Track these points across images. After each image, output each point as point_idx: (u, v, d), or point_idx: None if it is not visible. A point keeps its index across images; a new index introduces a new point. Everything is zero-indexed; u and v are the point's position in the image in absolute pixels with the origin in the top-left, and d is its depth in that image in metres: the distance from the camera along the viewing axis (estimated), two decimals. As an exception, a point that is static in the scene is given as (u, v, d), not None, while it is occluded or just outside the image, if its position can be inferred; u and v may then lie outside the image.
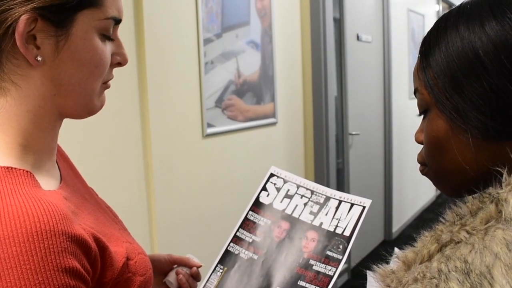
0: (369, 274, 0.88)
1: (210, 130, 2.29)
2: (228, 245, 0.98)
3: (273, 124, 2.82)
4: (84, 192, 0.84)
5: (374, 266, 0.68)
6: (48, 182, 0.71)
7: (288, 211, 0.98)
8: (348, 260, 3.84)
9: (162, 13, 2.01)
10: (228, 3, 2.38)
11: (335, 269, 0.88)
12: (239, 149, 2.53)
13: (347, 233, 0.92)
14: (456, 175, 0.70)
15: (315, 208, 0.97)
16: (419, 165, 0.78)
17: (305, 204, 0.98)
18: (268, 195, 1.02)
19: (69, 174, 0.84)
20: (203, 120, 2.24)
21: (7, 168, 0.65)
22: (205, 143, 2.28)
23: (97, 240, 0.67)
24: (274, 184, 1.03)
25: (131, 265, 0.75)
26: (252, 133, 2.63)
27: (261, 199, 1.01)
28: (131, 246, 0.79)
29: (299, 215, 0.97)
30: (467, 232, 0.61)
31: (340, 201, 0.96)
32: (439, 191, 6.32)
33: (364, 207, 0.94)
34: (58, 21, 0.67)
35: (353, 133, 3.85)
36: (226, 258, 0.97)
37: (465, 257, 0.58)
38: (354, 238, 0.91)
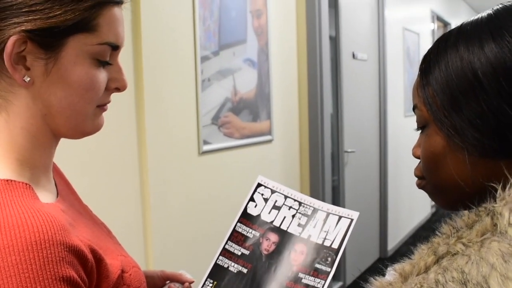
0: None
1: (206, 147, 2.30)
2: (217, 258, 0.98)
3: (269, 141, 2.84)
4: (79, 207, 0.86)
5: (371, 279, 0.69)
6: (46, 196, 0.73)
7: (277, 223, 0.98)
8: (344, 278, 3.84)
9: (160, 30, 2.04)
10: (225, 21, 2.42)
11: (323, 281, 0.89)
12: (235, 166, 2.54)
13: (335, 245, 0.92)
14: (452, 190, 0.72)
15: (303, 220, 0.97)
16: (416, 179, 0.80)
17: (293, 216, 0.98)
18: (256, 206, 1.01)
19: (65, 190, 0.86)
20: (199, 137, 2.26)
21: (7, 180, 0.67)
22: (201, 160, 2.29)
23: (93, 251, 0.69)
24: (262, 194, 1.03)
25: (125, 278, 0.76)
26: (248, 150, 2.65)
27: (249, 210, 1.01)
28: (126, 260, 0.80)
29: (288, 227, 0.97)
30: (464, 244, 0.63)
31: (328, 214, 0.97)
32: (434, 209, 6.33)
33: (351, 220, 0.95)
34: (47, 44, 0.69)
35: (349, 150, 3.87)
36: (216, 272, 0.97)
37: (462, 268, 0.60)
38: (342, 251, 0.92)
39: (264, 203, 1.02)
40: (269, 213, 1.00)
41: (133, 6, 1.91)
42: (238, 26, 2.53)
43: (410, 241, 5.19)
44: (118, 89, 0.79)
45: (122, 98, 1.87)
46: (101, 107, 0.78)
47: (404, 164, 4.92)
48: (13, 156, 0.71)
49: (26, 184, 0.68)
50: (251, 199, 1.03)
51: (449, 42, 0.72)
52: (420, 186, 0.79)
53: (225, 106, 2.44)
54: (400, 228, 5.11)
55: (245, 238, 0.98)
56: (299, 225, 0.97)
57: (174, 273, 1.05)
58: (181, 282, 1.04)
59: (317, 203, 0.99)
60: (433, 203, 6.26)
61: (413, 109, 0.76)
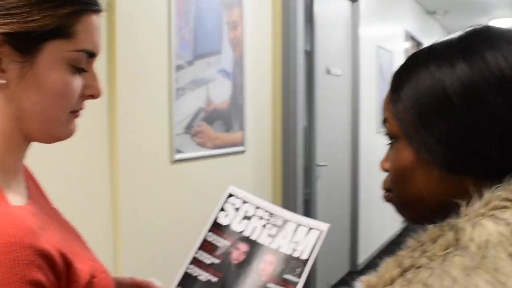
0: None
1: (178, 156, 2.29)
2: (187, 267, 0.98)
3: (242, 152, 2.84)
4: (49, 211, 0.85)
5: None
6: (15, 198, 0.72)
7: (247, 233, 0.98)
8: (313, 291, 3.84)
9: (135, 38, 2.03)
10: (200, 31, 2.42)
11: None
12: (207, 176, 2.54)
13: (304, 256, 0.92)
14: (418, 204, 0.73)
15: (273, 230, 0.97)
16: (383, 191, 0.81)
17: (264, 226, 0.98)
18: (226, 216, 1.01)
19: (36, 193, 0.85)
20: (172, 146, 2.25)
21: None
22: (173, 168, 2.28)
23: (62, 255, 0.68)
24: (233, 204, 1.03)
25: (95, 283, 0.76)
26: (220, 161, 2.64)
27: (219, 220, 1.01)
28: (95, 265, 0.80)
29: (257, 238, 0.97)
30: (427, 258, 0.64)
31: (298, 225, 0.97)
32: (405, 224, 6.41)
33: (321, 231, 0.95)
34: (23, 48, 0.69)
35: (321, 164, 3.90)
36: (185, 280, 0.96)
37: (425, 281, 0.61)
38: (312, 262, 0.92)
39: (234, 212, 1.02)
40: (239, 223, 1.00)
41: (108, 14, 1.90)
42: (214, 37, 2.54)
43: (380, 255, 5.20)
44: (92, 96, 0.78)
45: (94, 104, 1.85)
46: (75, 113, 0.77)
47: (375, 179, 4.97)
48: None
49: None
50: (222, 208, 1.03)
51: (420, 60, 0.74)
52: (387, 199, 0.80)
53: (198, 115, 2.44)
54: (371, 242, 5.15)
55: (215, 247, 0.98)
56: (269, 235, 0.97)
57: (144, 281, 1.04)
58: None
59: (287, 214, 0.99)
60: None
61: (383, 122, 0.77)
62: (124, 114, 1.98)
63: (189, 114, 2.37)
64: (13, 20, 0.67)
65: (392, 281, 0.66)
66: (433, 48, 0.74)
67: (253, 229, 0.98)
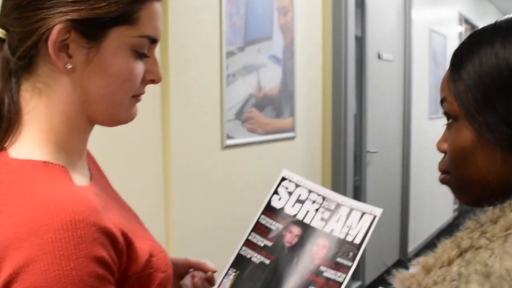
0: None
1: (229, 142, 2.32)
2: (241, 248, 0.99)
3: (292, 138, 2.84)
4: (110, 192, 0.88)
5: (394, 271, 0.70)
6: (80, 179, 0.75)
7: (300, 217, 0.99)
8: (362, 278, 3.82)
9: (187, 25, 2.06)
10: (251, 17, 2.43)
11: (345, 275, 0.89)
12: (257, 162, 2.55)
13: (357, 241, 0.92)
14: (477, 185, 0.72)
15: (326, 214, 0.97)
16: (438, 175, 0.80)
17: (317, 210, 0.98)
18: (279, 199, 1.02)
19: (97, 175, 0.88)
20: (222, 132, 2.28)
21: (44, 162, 0.69)
22: (224, 154, 2.31)
23: (124, 234, 0.71)
24: (286, 188, 1.03)
25: (153, 262, 0.78)
26: (270, 146, 2.65)
27: (272, 203, 1.02)
28: (154, 245, 0.82)
29: (311, 221, 0.97)
30: (487, 238, 0.64)
31: (351, 209, 0.97)
32: (456, 213, 6.26)
33: (375, 216, 0.94)
34: (90, 34, 0.71)
35: (371, 150, 3.86)
36: (238, 261, 0.98)
37: (485, 261, 0.60)
38: (364, 246, 0.92)
39: (288, 196, 1.02)
40: (292, 206, 1.00)
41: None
42: (264, 23, 2.54)
43: (431, 244, 5.14)
44: (153, 81, 0.81)
45: (148, 91, 1.89)
46: (136, 97, 0.80)
47: (427, 166, 4.88)
48: (51, 140, 0.73)
49: (62, 166, 0.71)
50: (275, 192, 1.04)
51: (483, 38, 0.72)
52: (443, 181, 0.79)
53: (249, 101, 2.45)
54: (421, 231, 5.06)
55: (268, 230, 0.99)
56: (322, 219, 0.97)
57: (198, 262, 1.06)
58: (204, 270, 1.05)
59: (340, 198, 0.99)
60: (455, 207, 6.20)
61: (441, 102, 0.76)
62: (176, 101, 2.01)
63: (239, 100, 2.39)
64: (80, 7, 0.69)
65: (450, 262, 0.65)
66: (497, 25, 0.72)
67: (306, 213, 0.99)
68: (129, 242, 0.72)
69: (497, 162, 0.69)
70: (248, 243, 0.99)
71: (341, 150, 3.19)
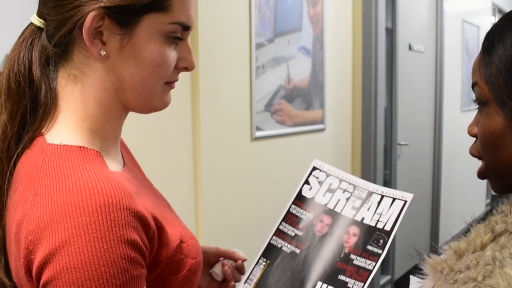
0: (412, 278, 0.88)
1: (258, 134, 2.32)
2: (271, 238, 1.00)
3: (321, 130, 2.83)
4: (143, 179, 0.90)
5: (425, 256, 0.69)
6: (114, 165, 0.76)
7: (331, 206, 0.98)
8: (392, 272, 3.79)
9: (216, 17, 2.07)
10: (281, 9, 2.42)
11: (374, 263, 0.88)
12: (286, 153, 2.55)
13: (388, 227, 0.92)
14: (509, 171, 0.71)
15: (357, 203, 0.97)
16: (474, 171, 0.78)
17: (347, 199, 0.98)
18: (310, 189, 1.02)
19: (130, 162, 0.90)
20: (252, 123, 2.28)
21: (79, 147, 0.71)
22: (253, 146, 2.31)
23: (155, 219, 0.72)
24: (317, 177, 1.03)
25: (184, 248, 0.79)
26: (300, 138, 2.65)
27: (303, 193, 1.02)
28: (184, 231, 0.83)
29: (341, 210, 0.97)
30: None
31: (382, 196, 0.96)
32: (489, 207, 6.15)
33: (405, 202, 0.93)
34: (123, 21, 0.72)
35: (402, 143, 3.81)
36: (269, 251, 0.98)
37: None
38: (395, 233, 0.91)
39: (319, 186, 1.02)
40: (323, 196, 1.00)
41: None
42: (294, 14, 2.53)
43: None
44: (186, 69, 0.81)
45: (178, 82, 1.91)
46: (169, 84, 0.81)
47: (458, 160, 4.80)
48: (86, 125, 0.75)
49: (97, 152, 0.72)
50: (306, 182, 1.04)
51: None
52: (481, 173, 0.77)
53: (278, 93, 2.45)
54: (452, 225, 4.99)
55: (299, 219, 0.99)
56: (353, 207, 0.97)
57: (228, 251, 1.07)
58: (234, 259, 1.06)
59: (371, 186, 0.99)
60: (488, 201, 6.08)
61: (472, 86, 0.74)
62: (206, 92, 2.02)
63: (269, 92, 2.39)
64: None
65: (483, 246, 0.64)
66: None
67: (337, 202, 0.98)
68: (160, 227, 0.73)
69: None
70: (278, 232, 1.00)
71: (371, 143, 3.16)
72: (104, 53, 0.73)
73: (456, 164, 4.82)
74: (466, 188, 5.08)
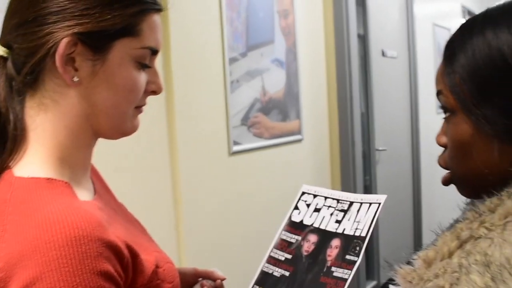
0: (391, 287, 0.88)
1: (236, 148, 2.32)
2: (263, 265, 1.00)
3: (299, 141, 2.84)
4: (115, 206, 0.89)
5: (396, 267, 0.70)
6: (84, 194, 0.76)
7: (316, 224, 0.99)
8: (378, 277, 3.80)
9: (188, 33, 2.06)
10: (252, 22, 2.43)
11: (350, 271, 0.88)
12: (265, 166, 2.55)
13: (363, 233, 0.92)
14: (476, 178, 0.71)
15: (340, 215, 0.97)
16: (444, 174, 0.79)
17: (331, 214, 0.99)
18: (299, 213, 1.03)
19: (102, 189, 0.89)
20: (229, 138, 2.28)
21: (48, 179, 0.70)
22: (231, 160, 2.31)
23: (129, 247, 0.71)
24: (305, 201, 1.05)
25: (160, 273, 0.78)
26: (278, 150, 2.65)
27: (293, 218, 1.03)
28: (160, 255, 0.83)
29: (326, 226, 0.98)
30: (486, 228, 0.63)
31: (361, 204, 0.97)
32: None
33: (379, 204, 0.94)
34: (96, 46, 0.72)
35: (380, 148, 3.84)
36: (262, 278, 0.99)
37: (485, 251, 0.60)
38: (369, 237, 0.91)
39: (306, 208, 1.03)
40: (310, 216, 1.01)
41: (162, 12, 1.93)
42: (266, 27, 2.54)
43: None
44: (154, 92, 0.82)
45: (153, 100, 1.90)
46: (139, 108, 0.81)
47: (437, 161, 4.84)
48: (55, 155, 0.74)
49: (66, 182, 0.72)
50: (296, 207, 1.05)
51: (474, 28, 0.70)
52: (446, 181, 0.78)
53: (254, 106, 2.45)
54: (435, 227, 5.02)
55: (289, 244, 1.00)
56: (336, 221, 0.97)
57: (206, 271, 1.07)
58: (213, 279, 1.05)
59: (352, 196, 0.99)
60: (469, 200, 6.14)
61: (437, 95, 0.75)
62: (181, 109, 2.01)
63: (245, 105, 2.39)
64: (86, 20, 0.71)
65: (450, 254, 0.65)
66: (488, 14, 0.71)
67: (322, 219, 0.99)
68: (134, 255, 0.72)
69: (494, 154, 0.68)
70: (270, 259, 1.01)
71: (349, 150, 3.18)
72: (77, 79, 0.72)
73: (435, 166, 4.82)
74: (447, 189, 5.12)
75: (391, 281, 0.80)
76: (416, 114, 4.48)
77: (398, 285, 0.73)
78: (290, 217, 1.04)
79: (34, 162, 0.72)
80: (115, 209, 0.85)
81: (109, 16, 0.72)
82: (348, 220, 0.96)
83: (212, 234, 2.18)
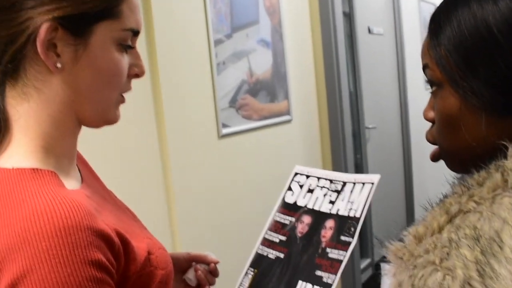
0: (383, 266, 0.88)
1: (225, 131, 2.30)
2: (258, 247, 1.00)
3: (288, 121, 2.82)
4: (103, 193, 0.87)
5: (387, 243, 0.70)
6: (70, 183, 0.74)
7: (310, 205, 0.98)
8: (372, 255, 3.83)
9: (171, 16, 2.03)
10: (236, 3, 2.40)
11: (345, 252, 0.87)
12: (255, 148, 2.54)
13: (358, 214, 0.91)
14: (464, 152, 0.71)
15: (333, 196, 0.96)
16: (434, 148, 0.78)
17: (325, 195, 0.98)
18: (292, 194, 1.02)
19: (89, 177, 0.87)
20: (218, 121, 2.26)
21: (33, 169, 0.69)
22: (221, 143, 2.29)
23: (119, 235, 0.70)
24: (298, 182, 1.04)
25: (152, 259, 0.77)
26: (267, 132, 2.64)
27: (286, 199, 1.02)
28: (152, 242, 0.81)
29: (320, 207, 0.97)
30: (475, 202, 0.63)
31: (354, 184, 0.96)
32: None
33: (372, 184, 0.93)
34: (77, 30, 0.71)
35: (370, 126, 3.84)
36: (256, 260, 0.99)
37: (474, 224, 0.60)
38: (363, 218, 0.90)
39: (299, 189, 1.02)
40: (303, 197, 1.01)
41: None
42: (250, 7, 2.51)
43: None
44: (137, 75, 0.81)
45: (139, 86, 1.87)
46: (122, 96, 0.80)
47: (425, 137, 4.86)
48: (39, 144, 0.72)
49: (52, 172, 0.70)
50: (289, 188, 1.04)
51: (459, 0, 0.70)
52: (434, 157, 0.78)
53: (242, 88, 2.43)
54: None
55: (283, 225, 1.00)
56: (330, 202, 0.96)
57: (199, 254, 1.06)
58: (207, 263, 1.05)
59: (345, 176, 0.99)
60: (459, 176, 6.20)
61: (423, 69, 0.74)
62: (168, 94, 1.99)
63: (232, 87, 2.37)
64: (65, 5, 0.69)
65: (440, 229, 0.65)
66: None
67: (315, 200, 0.98)
68: (125, 242, 0.71)
69: (482, 126, 0.68)
70: (264, 241, 1.00)
71: (339, 129, 3.17)
72: (60, 65, 0.71)
73: (424, 142, 4.85)
74: (437, 165, 5.15)
75: (384, 258, 0.80)
76: (404, 91, 4.48)
77: (390, 262, 0.72)
78: (283, 198, 1.03)
79: (18, 152, 0.71)
80: (104, 196, 0.83)
81: None
82: (342, 200, 0.95)
83: (205, 217, 2.17)
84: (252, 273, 0.98)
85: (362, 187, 0.94)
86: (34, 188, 0.66)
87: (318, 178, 1.01)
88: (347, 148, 3.21)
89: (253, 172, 2.49)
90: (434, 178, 5.27)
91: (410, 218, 4.63)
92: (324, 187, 0.99)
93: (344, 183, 0.97)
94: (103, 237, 0.65)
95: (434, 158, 0.78)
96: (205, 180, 2.19)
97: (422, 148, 4.84)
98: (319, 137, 3.18)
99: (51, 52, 0.70)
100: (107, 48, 0.73)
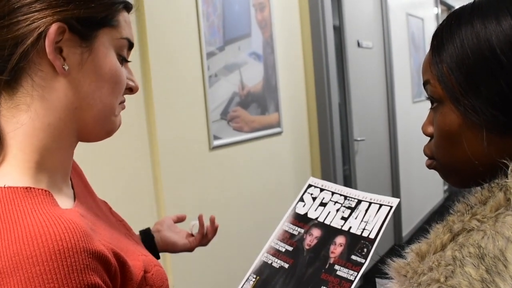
0: (378, 281, 0.88)
1: (216, 143, 2.31)
2: (263, 255, 0.99)
3: (279, 133, 2.84)
4: (96, 210, 0.85)
5: (388, 260, 0.69)
6: (64, 201, 0.72)
7: (321, 219, 0.98)
8: (360, 266, 3.83)
9: (165, 29, 2.04)
10: (228, 16, 2.41)
11: (356, 273, 0.86)
12: (246, 160, 2.55)
13: (372, 235, 0.90)
14: (465, 169, 0.72)
15: (346, 213, 0.96)
16: (426, 159, 0.79)
17: (337, 210, 0.97)
18: (304, 206, 1.02)
19: (83, 192, 0.85)
20: (209, 133, 2.27)
21: (26, 188, 0.66)
22: (212, 155, 2.30)
23: (116, 255, 0.68)
24: (311, 194, 1.03)
25: (148, 278, 0.76)
26: (258, 144, 2.65)
27: (297, 210, 1.02)
28: (147, 259, 0.80)
29: (331, 222, 0.96)
30: (478, 220, 0.63)
31: (370, 203, 0.95)
32: (447, 193, 6.31)
33: (391, 207, 0.92)
34: (84, 34, 0.71)
35: (359, 139, 3.87)
36: (260, 267, 0.98)
37: (478, 243, 0.60)
38: (378, 240, 0.89)
39: (312, 201, 1.02)
40: (315, 210, 1.00)
41: (137, 7, 1.91)
42: (242, 20, 2.53)
43: (424, 227, 5.17)
44: (130, 90, 0.81)
45: (131, 98, 1.87)
46: (121, 104, 0.80)
47: (414, 149, 4.91)
48: (34, 159, 0.70)
49: (46, 191, 0.67)
50: (301, 199, 1.04)
51: (462, 18, 0.70)
52: (430, 166, 0.78)
53: (233, 100, 2.44)
54: (413, 214, 5.09)
55: (291, 235, 0.99)
56: (342, 218, 0.95)
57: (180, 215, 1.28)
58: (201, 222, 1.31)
59: (361, 194, 0.97)
60: (445, 187, 6.24)
61: (424, 85, 0.75)
62: (160, 106, 1.99)
63: (224, 100, 2.38)
64: (73, 7, 0.69)
65: (443, 247, 0.65)
66: (476, 4, 0.71)
67: (327, 214, 0.98)
68: (122, 262, 0.70)
69: (483, 144, 0.68)
70: (270, 249, 0.99)
71: (328, 141, 3.20)
72: (67, 67, 0.70)
73: (412, 154, 4.92)
74: (424, 176, 5.20)
75: (376, 273, 0.80)
76: (393, 103, 4.52)
77: (387, 277, 0.73)
78: (294, 208, 1.02)
79: (11, 170, 0.68)
80: (97, 214, 0.82)
81: (93, 4, 0.71)
82: (355, 218, 0.94)
83: (195, 230, 2.17)
84: (253, 279, 0.97)
85: (379, 208, 0.93)
86: (27, 209, 0.63)
87: (333, 193, 1.01)
88: (336, 160, 3.23)
89: (244, 184, 2.50)
90: (421, 190, 5.32)
91: (397, 228, 4.66)
92: (337, 202, 0.99)
93: (359, 201, 0.96)
94: (100, 259, 0.63)
95: (430, 167, 0.79)
96: (196, 192, 2.19)
97: (409, 160, 4.88)
98: (309, 148, 3.20)
99: (57, 54, 0.69)
100: (109, 55, 0.74)
